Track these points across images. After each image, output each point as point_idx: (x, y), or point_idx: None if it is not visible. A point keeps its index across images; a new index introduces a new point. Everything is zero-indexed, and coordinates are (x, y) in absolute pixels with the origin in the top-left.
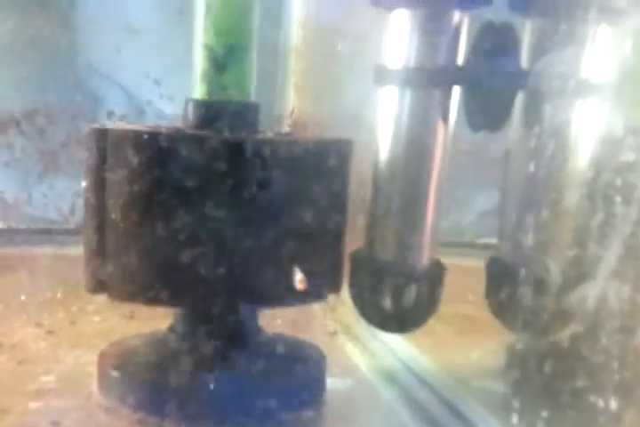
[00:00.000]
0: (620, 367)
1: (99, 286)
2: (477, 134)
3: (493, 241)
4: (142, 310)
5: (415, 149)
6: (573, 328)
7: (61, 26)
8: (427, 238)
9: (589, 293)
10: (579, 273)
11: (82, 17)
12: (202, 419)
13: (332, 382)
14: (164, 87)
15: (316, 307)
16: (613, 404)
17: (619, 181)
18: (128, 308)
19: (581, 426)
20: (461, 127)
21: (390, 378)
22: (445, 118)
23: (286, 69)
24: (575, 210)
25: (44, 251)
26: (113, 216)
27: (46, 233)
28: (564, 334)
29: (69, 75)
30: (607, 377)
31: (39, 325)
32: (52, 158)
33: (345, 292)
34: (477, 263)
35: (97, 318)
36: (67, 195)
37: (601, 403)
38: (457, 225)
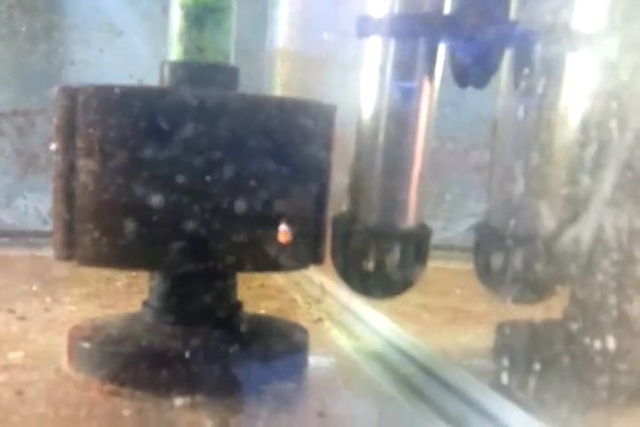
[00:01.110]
0: (619, 302)
1: (68, 251)
2: None
3: None
4: (121, 300)
5: (399, 103)
6: (568, 272)
7: (44, 26)
8: (412, 199)
9: (584, 228)
10: (573, 211)
11: (65, 17)
12: (176, 390)
13: (315, 360)
14: None
15: (300, 299)
16: (611, 343)
17: (614, 104)
18: (106, 299)
19: (577, 370)
20: None
21: (375, 356)
22: (431, 71)
23: (272, 70)
24: (567, 147)
25: (23, 252)
26: (83, 178)
27: (25, 235)
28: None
29: (51, 74)
30: (605, 316)
31: (11, 311)
32: (32, 159)
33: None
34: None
35: (73, 308)
36: (46, 197)
37: (597, 344)
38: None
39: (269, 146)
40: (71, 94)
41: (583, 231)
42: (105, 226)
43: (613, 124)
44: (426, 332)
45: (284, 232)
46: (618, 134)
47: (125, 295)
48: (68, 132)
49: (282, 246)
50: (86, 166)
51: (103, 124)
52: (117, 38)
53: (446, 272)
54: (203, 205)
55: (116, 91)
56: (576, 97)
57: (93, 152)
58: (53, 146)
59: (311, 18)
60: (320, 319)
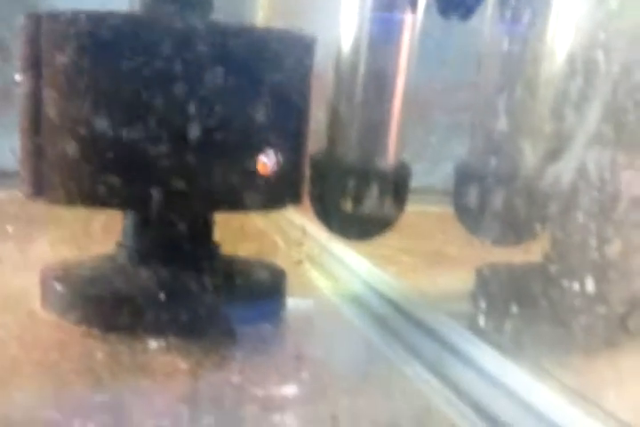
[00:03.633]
0: (599, 243)
1: (36, 189)
2: None
3: None
4: (98, 241)
5: (379, 36)
6: (548, 210)
7: None
8: (392, 137)
9: (566, 166)
10: (556, 148)
11: None
12: (149, 332)
13: (292, 302)
14: None
15: (281, 241)
16: (590, 285)
17: (602, 35)
18: (84, 241)
19: (555, 312)
20: None
21: (353, 298)
22: (413, 3)
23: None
24: (552, 80)
25: None
26: (49, 111)
27: (1, 176)
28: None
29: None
30: (583, 257)
31: None
32: (7, 95)
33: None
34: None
35: (48, 249)
36: None
37: (576, 286)
38: None
39: (244, 76)
40: (36, 22)
41: (565, 168)
42: (72, 162)
43: (600, 55)
44: (405, 273)
45: (263, 164)
46: (605, 66)
47: (103, 236)
48: (33, 61)
49: (259, 184)
50: (51, 98)
51: (68, 52)
52: None
53: (429, 216)
54: (176, 140)
55: (82, 17)
56: (563, 28)
57: (58, 82)
58: (18, 77)
59: None
60: (300, 261)
